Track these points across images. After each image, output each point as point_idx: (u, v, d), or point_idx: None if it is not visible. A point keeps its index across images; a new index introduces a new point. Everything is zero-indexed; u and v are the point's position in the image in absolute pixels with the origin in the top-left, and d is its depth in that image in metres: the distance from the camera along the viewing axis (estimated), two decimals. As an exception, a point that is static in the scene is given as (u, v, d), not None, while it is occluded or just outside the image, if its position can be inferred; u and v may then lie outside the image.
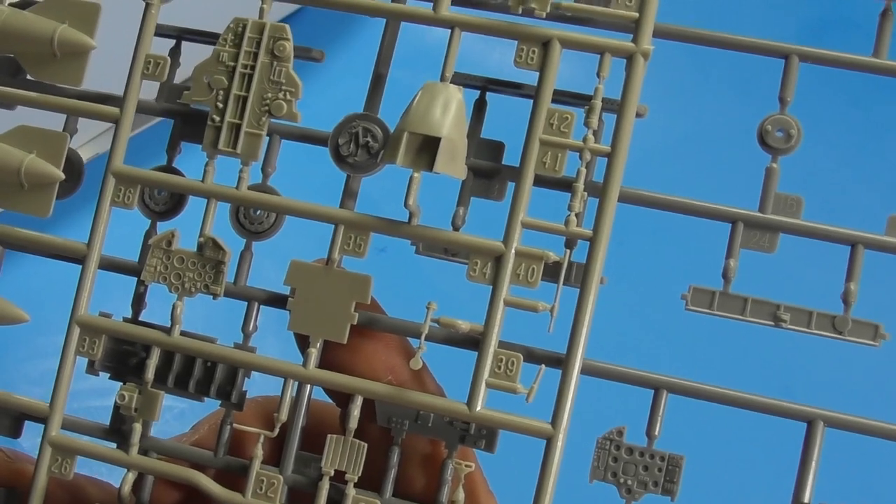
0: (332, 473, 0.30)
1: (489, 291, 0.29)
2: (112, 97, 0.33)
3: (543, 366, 0.29)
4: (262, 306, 0.32)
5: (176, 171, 0.33)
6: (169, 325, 0.31)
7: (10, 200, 0.32)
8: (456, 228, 0.31)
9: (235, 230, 0.32)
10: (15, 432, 0.32)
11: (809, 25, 0.92)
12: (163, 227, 0.32)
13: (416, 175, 0.29)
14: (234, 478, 0.31)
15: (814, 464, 0.29)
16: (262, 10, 0.31)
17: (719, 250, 0.30)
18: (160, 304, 0.32)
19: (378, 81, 0.32)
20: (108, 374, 0.32)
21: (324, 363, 0.30)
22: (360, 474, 0.30)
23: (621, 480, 0.29)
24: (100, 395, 0.33)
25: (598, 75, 0.29)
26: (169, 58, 0.32)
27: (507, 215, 0.29)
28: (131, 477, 0.31)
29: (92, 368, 0.32)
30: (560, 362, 0.29)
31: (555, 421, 0.29)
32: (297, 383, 0.31)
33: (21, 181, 0.31)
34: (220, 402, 0.31)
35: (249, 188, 0.31)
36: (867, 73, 0.30)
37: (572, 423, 0.29)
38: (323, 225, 0.30)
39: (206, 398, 0.31)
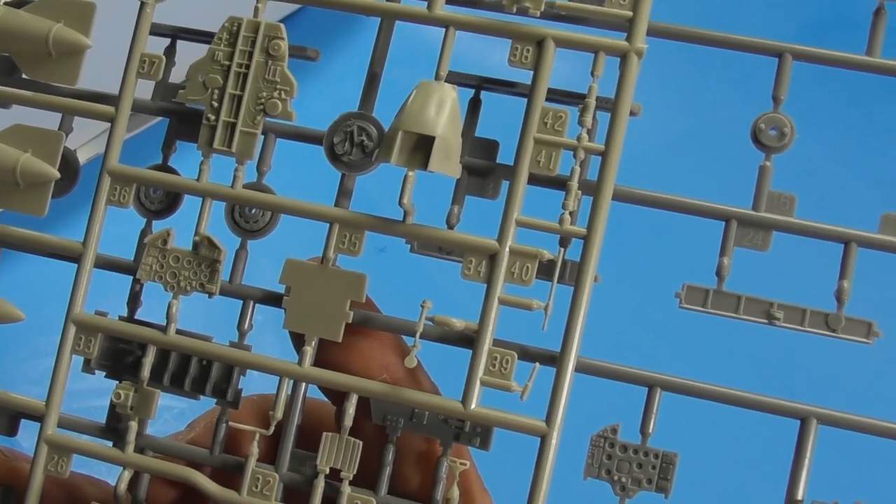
0: (328, 471, 0.30)
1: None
2: (107, 96, 0.33)
3: (538, 364, 0.29)
4: (259, 304, 0.32)
5: (171, 170, 0.33)
6: (165, 324, 0.31)
7: (6, 199, 0.32)
8: (451, 227, 0.31)
9: (231, 229, 0.33)
10: (11, 431, 0.32)
11: (809, 25, 0.92)
12: (158, 226, 0.32)
13: (410, 174, 0.29)
14: (230, 476, 0.31)
15: (807, 461, 0.29)
16: (256, 9, 0.31)
17: (714, 248, 0.30)
18: (157, 302, 0.32)
19: (373, 80, 0.32)
20: (104, 373, 0.32)
21: (319, 361, 0.31)
22: (355, 472, 0.30)
23: (615, 478, 0.30)
24: (98, 395, 0.33)
25: (592, 74, 0.29)
26: (164, 57, 0.32)
27: (501, 214, 0.29)
28: (127, 475, 0.31)
29: (88, 367, 0.32)
30: (554, 360, 0.29)
31: (549, 419, 0.29)
32: (292, 381, 0.31)
33: (17, 180, 0.31)
34: (215, 400, 0.31)
35: (245, 187, 0.31)
36: (861, 71, 0.30)
37: (566, 420, 0.29)
38: (319, 223, 0.31)
39: (201, 396, 0.32)
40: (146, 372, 0.31)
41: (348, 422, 0.30)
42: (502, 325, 0.29)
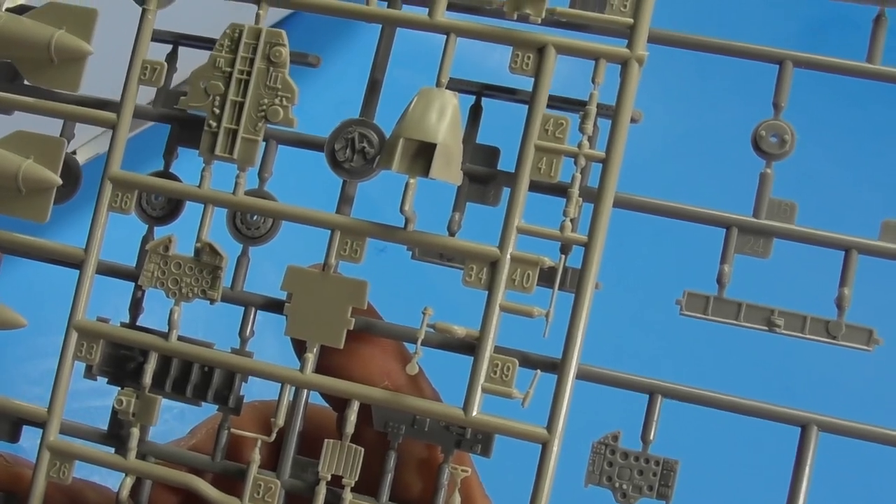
0: (329, 478, 0.30)
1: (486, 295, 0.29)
2: (109, 102, 0.33)
3: (539, 371, 0.29)
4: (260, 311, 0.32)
5: (173, 177, 0.33)
6: (167, 330, 0.31)
7: (8, 206, 0.32)
8: (452, 233, 0.31)
9: (232, 235, 0.33)
10: (13, 437, 0.32)
11: (809, 25, 0.92)
12: (160, 232, 0.32)
13: (411, 181, 0.29)
14: (231, 482, 0.31)
15: (808, 468, 0.29)
16: (258, 16, 0.31)
17: (715, 255, 0.30)
18: (161, 307, 0.32)
19: (374, 87, 0.32)
20: (106, 379, 0.32)
21: (321, 368, 0.31)
22: (356, 479, 0.30)
23: (616, 485, 0.30)
24: (100, 396, 0.33)
25: (593, 81, 0.29)
26: (166, 63, 0.32)
27: (502, 220, 0.29)
28: (129, 481, 0.31)
29: (90, 373, 0.32)
30: (555, 367, 0.29)
31: (550, 426, 0.29)
32: (294, 388, 0.31)
33: (19, 186, 0.31)
34: (217, 406, 0.31)
35: (246, 193, 0.31)
36: (861, 78, 0.30)
37: (568, 427, 0.29)
38: (321, 229, 0.31)
39: (203, 403, 0.32)
40: (148, 378, 0.31)
41: (350, 428, 0.30)
42: (504, 332, 0.29)
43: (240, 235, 0.33)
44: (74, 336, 0.31)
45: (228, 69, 0.31)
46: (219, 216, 0.32)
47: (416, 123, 0.29)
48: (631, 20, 0.29)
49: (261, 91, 0.30)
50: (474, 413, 0.29)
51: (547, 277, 0.29)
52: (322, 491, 0.30)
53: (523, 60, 0.30)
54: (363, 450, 0.30)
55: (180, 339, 0.31)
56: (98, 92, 0.33)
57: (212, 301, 0.31)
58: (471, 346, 0.29)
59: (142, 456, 0.31)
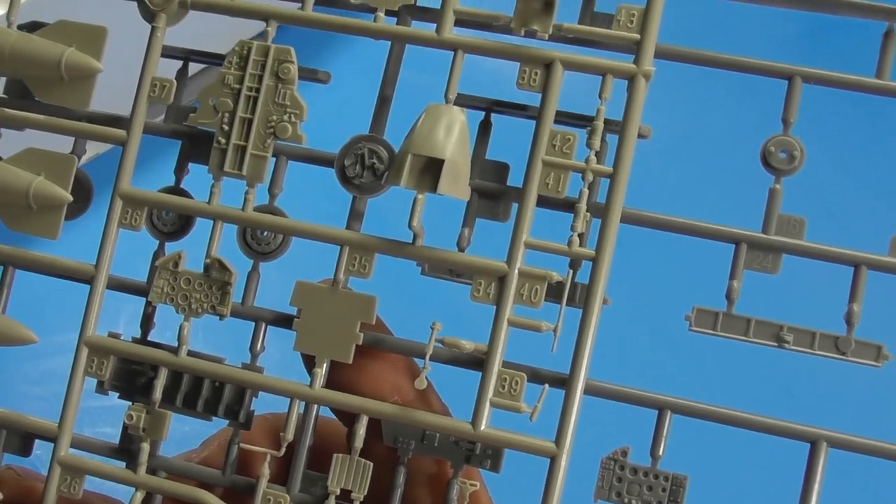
0: (339, 492, 0.30)
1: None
2: (119, 119, 0.33)
3: (547, 385, 0.29)
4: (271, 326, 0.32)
5: (184, 193, 0.33)
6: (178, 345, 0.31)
7: (20, 222, 0.32)
8: (461, 249, 0.31)
9: (243, 251, 0.33)
10: (24, 451, 0.33)
11: (811, 26, 0.92)
12: (171, 248, 0.32)
13: (419, 196, 0.29)
14: (241, 497, 0.31)
15: (817, 484, 0.29)
16: (266, 33, 0.31)
17: (725, 270, 0.30)
18: (174, 319, 0.32)
19: (384, 103, 0.32)
20: (118, 394, 0.32)
21: (331, 383, 0.31)
22: (365, 493, 0.30)
23: (626, 500, 0.30)
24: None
25: (600, 96, 0.29)
26: (175, 81, 0.32)
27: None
28: (140, 496, 0.31)
29: (101, 388, 0.32)
30: (564, 383, 0.29)
31: (558, 440, 0.29)
32: (304, 403, 0.31)
33: (30, 203, 0.32)
34: (227, 421, 0.32)
35: (256, 209, 0.31)
36: (870, 93, 0.30)
37: (576, 441, 0.29)
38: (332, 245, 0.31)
39: (214, 418, 0.32)
40: (158, 394, 0.31)
41: (359, 443, 0.30)
42: (513, 347, 0.29)
43: (250, 251, 0.33)
44: (85, 352, 0.31)
45: (237, 86, 0.31)
46: (230, 232, 0.32)
47: (424, 139, 0.29)
48: (637, 36, 0.29)
49: (269, 108, 0.31)
50: (483, 427, 0.29)
51: (556, 293, 0.29)
52: (331, 505, 0.30)
53: (531, 76, 0.30)
54: (372, 464, 0.30)
55: (191, 354, 0.31)
56: (109, 104, 0.33)
57: (221, 317, 0.31)
58: (479, 362, 0.29)
59: (152, 470, 0.32)
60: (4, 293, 0.33)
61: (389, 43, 0.32)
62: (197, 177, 0.33)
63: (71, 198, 0.32)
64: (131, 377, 0.32)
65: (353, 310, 0.30)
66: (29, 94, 0.33)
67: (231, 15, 0.32)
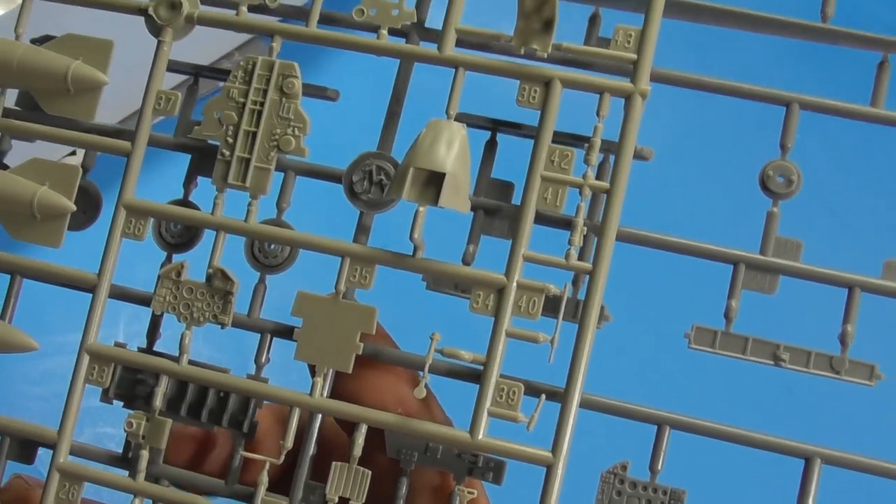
0: (337, 500, 0.30)
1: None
2: (124, 131, 0.33)
3: (544, 395, 0.30)
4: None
5: (192, 205, 0.33)
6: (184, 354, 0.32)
7: (24, 231, 0.32)
8: (466, 265, 0.32)
9: (250, 264, 0.33)
10: (26, 458, 0.33)
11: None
12: (179, 259, 0.33)
13: (421, 209, 0.30)
14: None
15: (811, 500, 0.30)
16: (271, 49, 0.32)
17: (723, 288, 0.31)
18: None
19: (392, 119, 0.33)
20: (122, 403, 0.32)
21: (335, 393, 0.31)
22: (363, 501, 0.30)
23: (624, 513, 0.30)
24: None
25: (598, 114, 0.30)
26: (179, 94, 0.32)
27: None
28: (139, 503, 0.32)
29: (106, 397, 0.33)
30: (560, 395, 0.30)
31: (555, 449, 0.29)
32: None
33: (34, 212, 0.32)
34: (232, 431, 0.32)
35: (264, 223, 0.32)
36: (866, 121, 0.31)
37: (577, 456, 0.29)
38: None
39: (216, 427, 0.32)
40: (158, 402, 0.31)
41: (357, 451, 0.30)
42: (514, 358, 0.30)
43: (257, 264, 0.33)
44: (86, 359, 0.32)
45: (242, 100, 0.31)
46: (239, 245, 0.32)
47: (426, 154, 0.29)
48: (634, 55, 0.30)
49: (273, 121, 0.31)
50: (480, 436, 0.30)
51: (554, 306, 0.30)
52: (330, 513, 0.30)
53: (530, 94, 0.30)
54: (371, 473, 0.30)
55: (191, 363, 0.32)
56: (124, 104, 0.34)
57: (223, 325, 0.31)
58: (478, 375, 0.30)
59: (154, 478, 0.32)
60: (12, 302, 0.33)
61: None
62: (208, 191, 0.33)
63: (74, 207, 0.32)
64: (135, 386, 0.32)
65: (353, 320, 0.31)
66: (39, 106, 0.34)
67: (236, 30, 0.33)
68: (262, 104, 0.31)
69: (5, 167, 0.34)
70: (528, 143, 0.32)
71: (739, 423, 0.31)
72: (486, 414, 0.30)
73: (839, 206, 0.86)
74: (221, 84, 0.32)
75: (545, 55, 0.30)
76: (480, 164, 0.33)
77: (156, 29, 0.32)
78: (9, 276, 0.33)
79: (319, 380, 0.31)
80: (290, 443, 0.31)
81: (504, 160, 0.33)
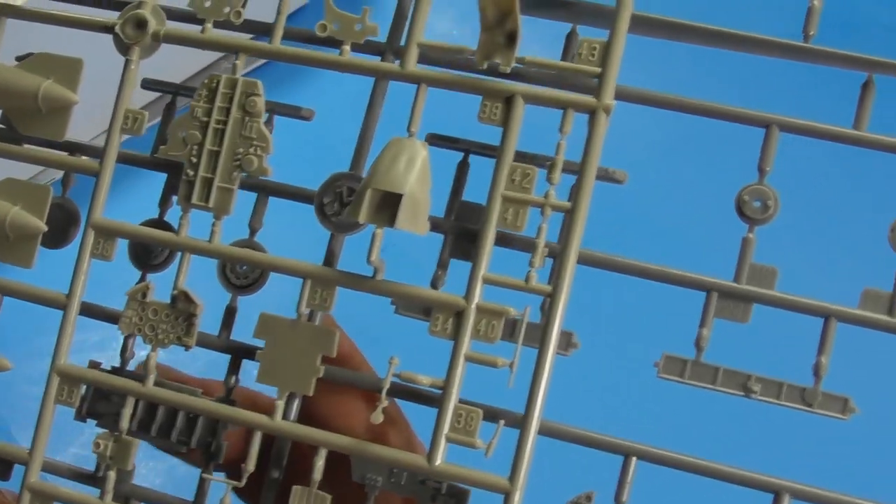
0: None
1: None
2: (92, 148, 0.33)
3: (502, 422, 0.29)
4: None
5: (167, 225, 0.33)
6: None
7: (-4, 251, 0.33)
8: (435, 288, 0.31)
9: (222, 284, 0.33)
10: (2, 475, 0.33)
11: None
12: (158, 280, 0.33)
13: (378, 231, 0.29)
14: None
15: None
16: (234, 67, 0.32)
17: (696, 313, 0.30)
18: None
19: (364, 140, 0.32)
20: (96, 422, 0.33)
21: (304, 415, 0.31)
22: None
23: (586, 545, 0.29)
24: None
25: (561, 131, 0.29)
26: (146, 112, 0.32)
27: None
28: (106, 523, 0.32)
29: (80, 415, 0.33)
30: (519, 421, 0.29)
31: (513, 477, 0.28)
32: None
33: (6, 233, 0.32)
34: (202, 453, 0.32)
35: (236, 244, 0.32)
36: (847, 144, 0.30)
37: (541, 484, 0.29)
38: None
39: (185, 448, 0.32)
40: (125, 422, 0.31)
41: (318, 475, 0.30)
42: (474, 380, 0.29)
43: (229, 285, 0.33)
44: (56, 381, 0.32)
45: (206, 118, 0.31)
46: (211, 266, 0.32)
47: (384, 174, 0.29)
48: (598, 69, 0.29)
49: (236, 140, 0.31)
50: (438, 462, 0.29)
51: (514, 331, 0.29)
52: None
53: (491, 110, 0.30)
54: (330, 497, 0.30)
55: (157, 384, 0.31)
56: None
57: (187, 347, 0.31)
58: (434, 399, 0.29)
59: (124, 497, 0.32)
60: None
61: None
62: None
63: (45, 227, 0.32)
64: (108, 406, 0.32)
65: (314, 343, 0.30)
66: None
67: (202, 48, 0.32)
68: (225, 123, 0.31)
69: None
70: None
71: (710, 450, 0.29)
72: (444, 440, 0.29)
73: (816, 230, 0.83)
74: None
75: (508, 69, 0.29)
76: (452, 188, 0.32)
77: (123, 48, 0.32)
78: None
79: (280, 402, 0.30)
80: (251, 466, 0.31)
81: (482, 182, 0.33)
